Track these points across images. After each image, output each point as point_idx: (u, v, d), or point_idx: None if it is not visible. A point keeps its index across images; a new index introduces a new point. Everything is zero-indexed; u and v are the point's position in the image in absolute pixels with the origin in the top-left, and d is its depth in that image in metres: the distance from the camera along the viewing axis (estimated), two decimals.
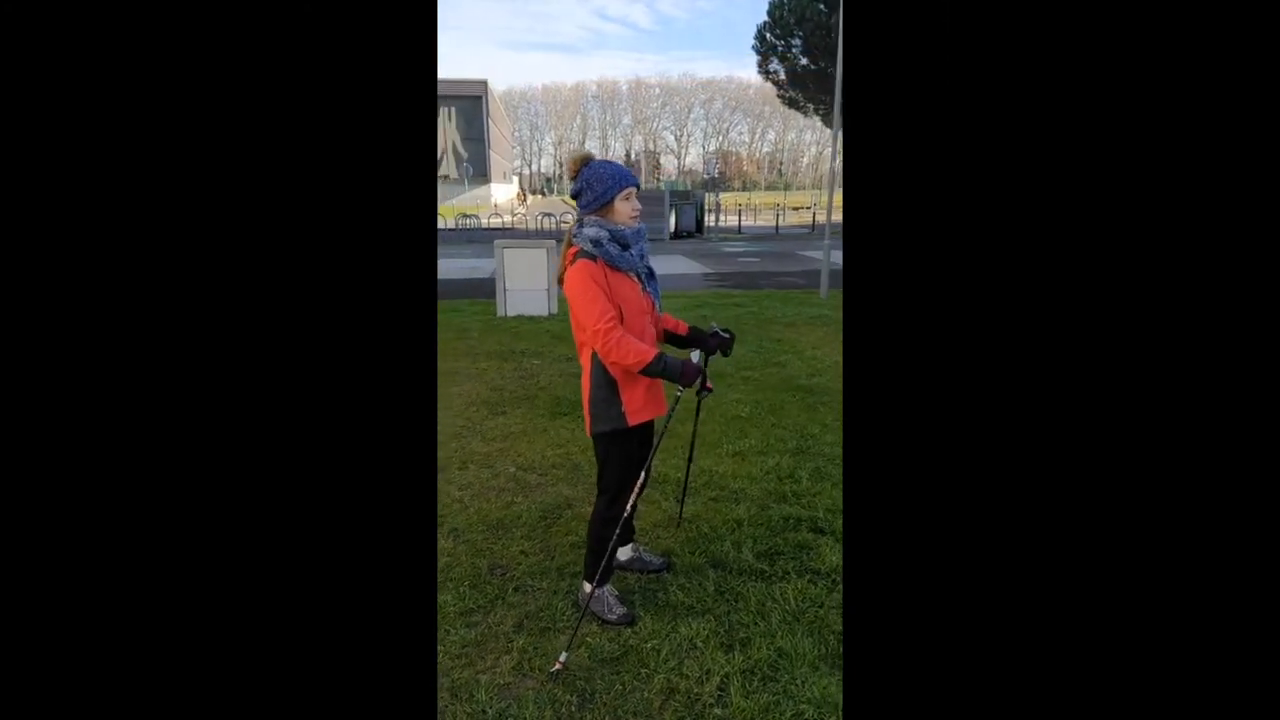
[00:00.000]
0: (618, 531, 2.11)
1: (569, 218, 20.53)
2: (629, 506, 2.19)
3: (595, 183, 1.93)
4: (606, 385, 1.97)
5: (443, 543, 2.54)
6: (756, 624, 2.04)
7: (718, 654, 1.91)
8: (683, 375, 1.89)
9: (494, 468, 3.25)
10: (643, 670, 1.86)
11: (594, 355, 1.98)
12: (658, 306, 2.06)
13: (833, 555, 2.39)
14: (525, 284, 7.12)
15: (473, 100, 38.31)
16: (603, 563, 2.10)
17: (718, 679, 1.82)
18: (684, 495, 2.78)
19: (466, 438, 3.66)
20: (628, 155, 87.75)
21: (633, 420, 1.97)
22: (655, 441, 2.10)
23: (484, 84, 38.99)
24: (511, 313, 7.14)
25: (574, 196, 1.98)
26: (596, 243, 1.89)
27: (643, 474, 2.23)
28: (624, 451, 2.02)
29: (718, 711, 1.72)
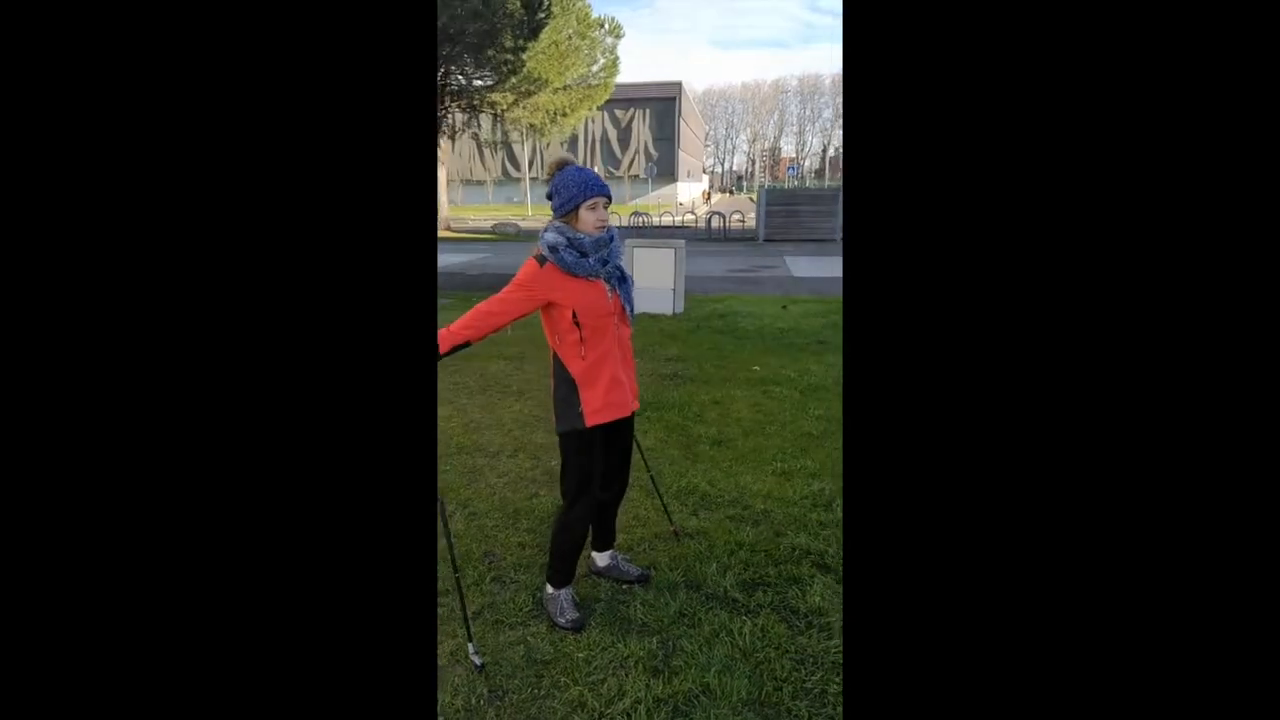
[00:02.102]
0: (578, 537, 2.11)
1: (737, 218, 20.40)
2: (598, 512, 2.19)
3: (563, 189, 1.94)
4: (566, 384, 1.99)
5: (459, 525, 2.71)
6: (699, 654, 1.93)
7: (643, 677, 1.84)
8: None
9: (539, 459, 3.38)
10: (563, 679, 1.85)
11: (554, 354, 2.00)
12: (629, 309, 2.03)
13: (818, 596, 2.18)
14: (652, 282, 7.23)
15: (666, 102, 39.34)
16: (560, 566, 2.12)
17: (629, 701, 1.76)
18: (666, 508, 2.71)
19: (532, 428, 3.83)
20: (824, 150, 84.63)
21: (590, 421, 1.97)
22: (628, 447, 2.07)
23: (678, 85, 39.85)
24: (637, 310, 7.27)
25: (548, 199, 2.01)
26: (553, 249, 1.91)
27: (623, 478, 2.21)
28: (583, 454, 2.02)
29: None
